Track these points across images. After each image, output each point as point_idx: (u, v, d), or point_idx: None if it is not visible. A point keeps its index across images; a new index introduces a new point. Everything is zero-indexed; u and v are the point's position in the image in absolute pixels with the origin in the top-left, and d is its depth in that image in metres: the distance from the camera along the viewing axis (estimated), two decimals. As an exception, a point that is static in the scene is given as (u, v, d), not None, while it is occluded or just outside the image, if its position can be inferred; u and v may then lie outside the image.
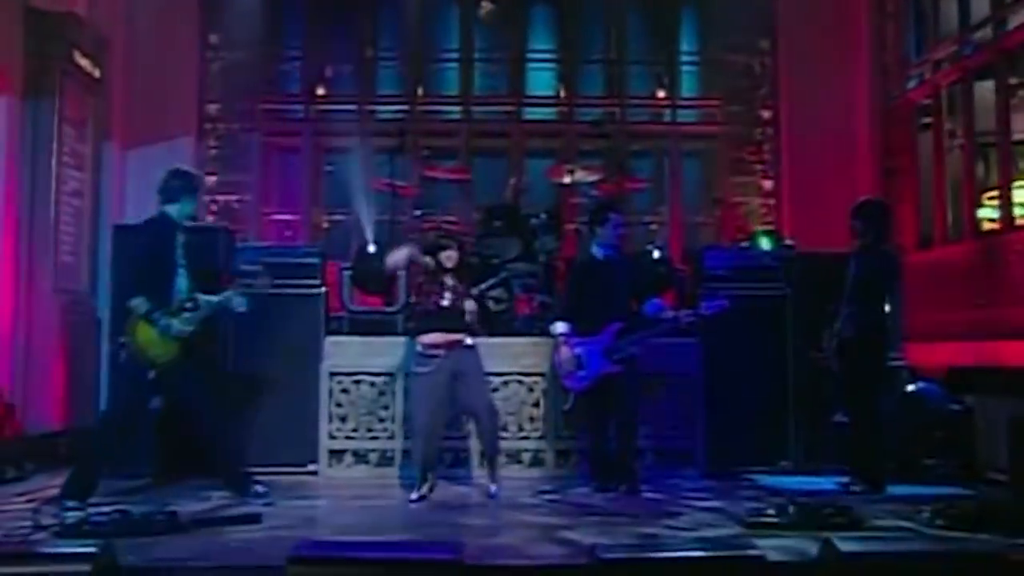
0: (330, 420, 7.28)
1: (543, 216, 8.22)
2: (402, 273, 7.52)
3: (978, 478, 6.78)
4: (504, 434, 7.26)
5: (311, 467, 7.21)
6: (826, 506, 5.36)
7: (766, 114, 10.26)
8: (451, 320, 6.58)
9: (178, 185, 6.02)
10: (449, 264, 6.64)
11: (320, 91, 10.41)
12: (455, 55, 10.51)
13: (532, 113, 10.62)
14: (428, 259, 6.63)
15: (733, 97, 10.37)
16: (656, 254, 8.09)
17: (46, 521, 5.05)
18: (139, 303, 5.73)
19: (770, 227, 9.39)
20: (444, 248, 6.69)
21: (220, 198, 9.98)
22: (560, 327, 6.64)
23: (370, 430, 7.29)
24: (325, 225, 10.27)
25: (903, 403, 7.04)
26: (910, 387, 7.08)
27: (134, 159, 9.55)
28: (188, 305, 5.89)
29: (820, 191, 9.77)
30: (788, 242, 8.98)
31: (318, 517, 5.81)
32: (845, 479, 6.57)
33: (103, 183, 9.07)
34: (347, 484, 6.90)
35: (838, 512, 5.27)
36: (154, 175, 9.32)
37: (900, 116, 9.34)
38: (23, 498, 5.96)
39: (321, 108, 10.41)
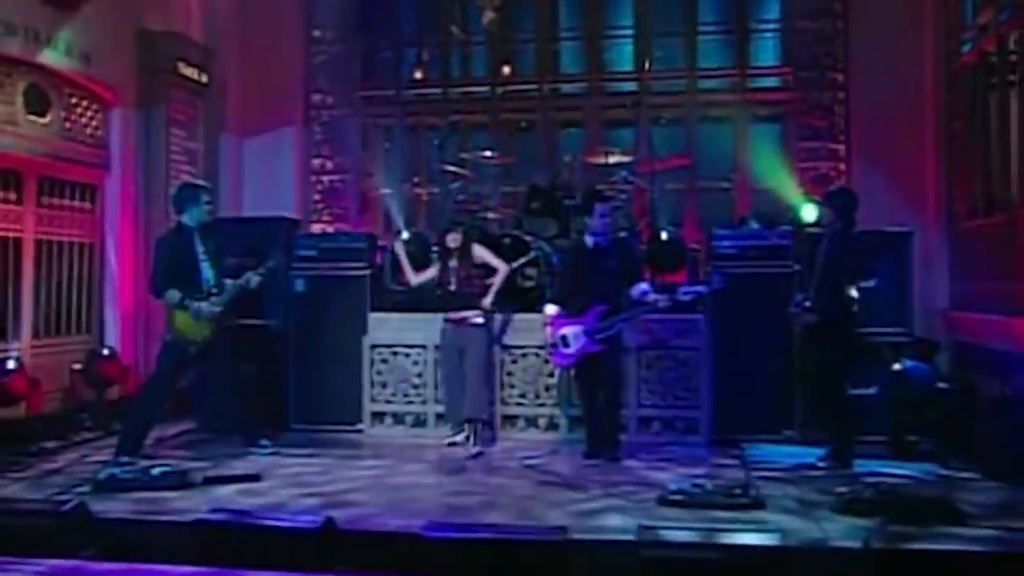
0: (372, 386, 8.24)
1: (578, 197, 8.71)
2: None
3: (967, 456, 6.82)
4: (523, 401, 8.06)
5: (358, 426, 8.25)
6: (737, 487, 5.75)
7: (838, 77, 10.11)
8: (457, 300, 7.50)
9: (185, 196, 7.14)
10: (452, 245, 7.51)
11: (417, 75, 11.21)
12: (533, 35, 10.99)
13: (611, 88, 10.95)
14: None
15: (805, 62, 10.26)
16: (664, 235, 8.41)
17: (101, 476, 6.27)
18: (171, 294, 6.89)
19: (816, 198, 9.35)
20: (450, 231, 7.57)
21: (325, 179, 11.07)
22: (550, 309, 7.25)
23: (406, 395, 8.20)
24: (424, 198, 11.12)
25: (890, 382, 7.12)
26: (896, 366, 7.13)
27: (249, 148, 10.82)
28: (214, 290, 6.99)
29: (889, 154, 9.66)
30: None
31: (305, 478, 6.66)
32: (823, 452, 6.86)
33: (222, 172, 10.39)
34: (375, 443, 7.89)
35: (743, 493, 5.66)
36: (268, 161, 10.71)
37: (957, 80, 9.03)
38: (105, 453, 7.28)
39: (417, 91, 11.21)
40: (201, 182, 7.79)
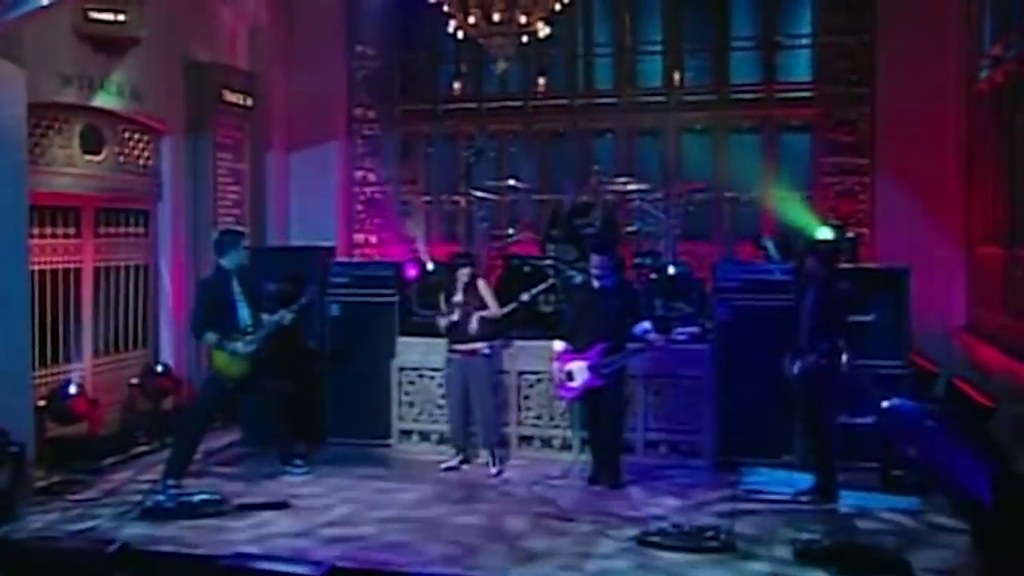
0: (400, 406, 9.10)
1: (597, 225, 9.35)
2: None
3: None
4: (538, 423, 8.83)
5: (388, 441, 9.12)
6: (708, 529, 6.45)
7: (864, 92, 10.47)
8: (462, 333, 8.28)
9: (226, 242, 7.99)
10: (464, 279, 8.25)
11: (456, 86, 11.86)
12: (566, 49, 11.55)
13: (642, 100, 11.45)
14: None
15: (833, 77, 10.64)
16: (672, 270, 9.00)
17: (148, 503, 7.18)
18: (210, 336, 7.79)
19: (833, 219, 9.83)
20: (463, 266, 8.31)
21: (367, 190, 11.89)
22: (558, 345, 7.96)
23: (431, 415, 9.03)
24: (464, 206, 11.83)
25: (880, 418, 7.66)
26: (885, 403, 7.66)
27: (295, 163, 11.67)
28: (250, 329, 7.86)
29: (913, 170, 10.06)
30: (850, 235, 9.51)
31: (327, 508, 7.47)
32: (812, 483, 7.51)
33: (268, 189, 11.28)
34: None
35: (714, 536, 6.35)
36: (312, 175, 11.52)
37: (976, 104, 9.35)
38: (156, 469, 8.24)
39: (455, 103, 11.89)
40: (240, 228, 8.65)
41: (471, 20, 8.02)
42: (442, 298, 8.40)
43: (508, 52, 8.53)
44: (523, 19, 8.02)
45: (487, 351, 8.35)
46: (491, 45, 8.49)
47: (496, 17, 7.89)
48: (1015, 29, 8.10)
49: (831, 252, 7.44)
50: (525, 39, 8.41)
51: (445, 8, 8.45)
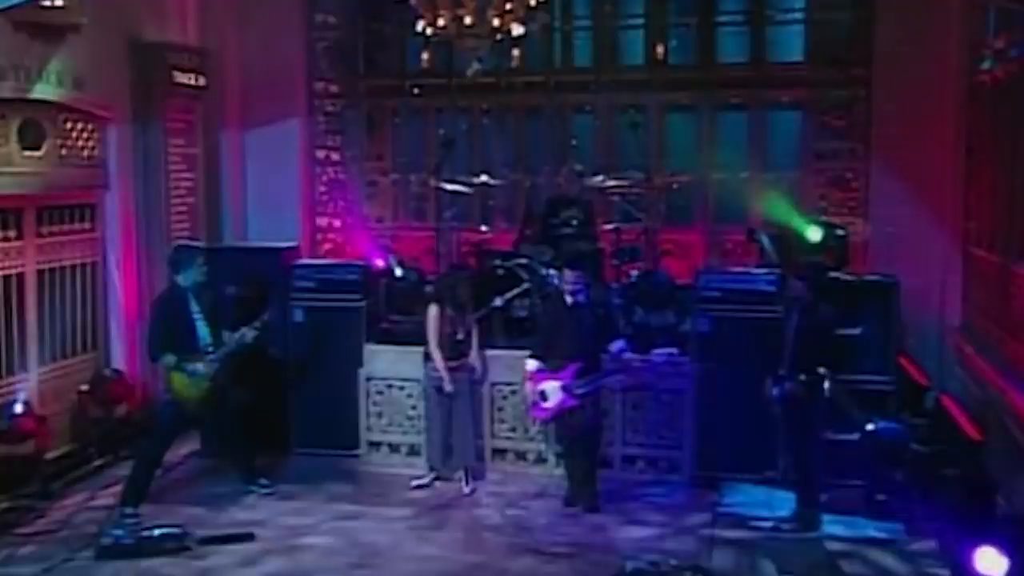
0: (368, 416, 9.28)
1: (574, 223, 9.50)
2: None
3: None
4: (512, 435, 9.05)
5: (356, 451, 9.33)
6: (685, 569, 6.73)
7: (860, 73, 10.56)
8: (459, 348, 8.52)
9: (181, 258, 8.06)
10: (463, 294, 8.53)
11: (424, 56, 11.79)
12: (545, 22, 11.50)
13: (623, 76, 11.50)
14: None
15: (827, 56, 10.72)
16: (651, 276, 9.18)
17: (105, 540, 7.27)
18: (168, 358, 7.90)
19: (821, 216, 9.99)
20: (460, 284, 8.66)
21: (330, 170, 11.93)
22: (531, 364, 8.16)
23: (400, 426, 9.23)
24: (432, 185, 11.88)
25: (863, 440, 7.93)
26: (869, 426, 7.91)
27: (253, 142, 11.65)
28: (210, 349, 7.99)
29: (909, 157, 10.18)
30: (840, 232, 9.70)
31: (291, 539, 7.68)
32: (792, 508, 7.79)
33: (224, 172, 11.31)
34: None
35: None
36: (272, 155, 11.54)
37: (977, 94, 9.46)
38: (113, 490, 8.41)
39: (424, 74, 11.83)
40: (197, 244, 8.73)
41: (440, 22, 8.04)
42: (436, 314, 8.49)
43: (480, 54, 8.60)
44: (496, 21, 8.05)
45: (473, 362, 8.58)
46: (462, 47, 8.53)
47: (467, 20, 7.90)
48: (1018, 26, 8.17)
49: (818, 275, 7.61)
50: (499, 37, 8.46)
51: (412, 2, 8.44)
